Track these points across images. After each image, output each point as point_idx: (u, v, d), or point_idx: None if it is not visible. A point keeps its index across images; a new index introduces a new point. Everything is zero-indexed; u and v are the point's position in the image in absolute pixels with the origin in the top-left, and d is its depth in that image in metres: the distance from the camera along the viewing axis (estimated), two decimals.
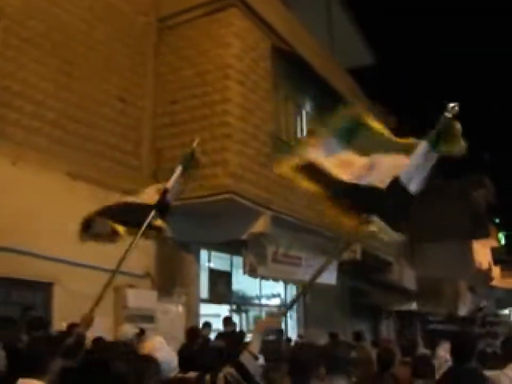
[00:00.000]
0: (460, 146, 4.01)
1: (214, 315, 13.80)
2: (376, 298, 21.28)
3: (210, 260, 14.44)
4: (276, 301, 17.11)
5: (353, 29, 20.29)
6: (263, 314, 15.90)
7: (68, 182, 10.35)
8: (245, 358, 3.70)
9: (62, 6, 10.94)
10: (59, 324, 8.60)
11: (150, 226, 5.91)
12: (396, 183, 3.95)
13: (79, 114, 10.90)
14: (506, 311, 30.44)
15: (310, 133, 15.77)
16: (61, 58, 10.80)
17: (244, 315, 15.62)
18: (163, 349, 6.29)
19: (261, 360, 4.19)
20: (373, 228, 4.00)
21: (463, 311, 27.89)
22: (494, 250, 35.21)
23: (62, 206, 9.88)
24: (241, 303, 15.59)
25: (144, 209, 5.96)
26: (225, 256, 14.45)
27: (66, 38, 10.95)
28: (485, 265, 33.61)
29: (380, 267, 20.30)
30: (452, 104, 4.01)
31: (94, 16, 11.65)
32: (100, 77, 11.53)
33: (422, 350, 11.15)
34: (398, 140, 4.34)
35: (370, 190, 4.05)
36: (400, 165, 4.04)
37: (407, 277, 24.84)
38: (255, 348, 3.78)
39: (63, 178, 10.28)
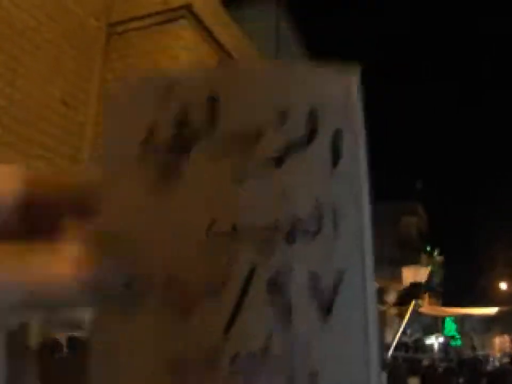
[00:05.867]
0: None
1: None
2: None
3: None
4: None
5: (300, 49, 20.60)
6: None
7: None
8: None
9: None
10: None
11: None
12: None
13: (21, 113, 10.71)
14: (432, 338, 31.18)
15: None
16: (7, 53, 10.60)
17: None
18: None
19: None
20: None
21: (389, 335, 28.16)
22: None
23: None
24: None
25: None
26: None
27: (13, 32, 10.74)
28: None
29: None
30: None
31: (44, 14, 11.45)
32: (45, 77, 11.36)
33: None
34: None
35: None
36: None
37: None
38: None
39: None
